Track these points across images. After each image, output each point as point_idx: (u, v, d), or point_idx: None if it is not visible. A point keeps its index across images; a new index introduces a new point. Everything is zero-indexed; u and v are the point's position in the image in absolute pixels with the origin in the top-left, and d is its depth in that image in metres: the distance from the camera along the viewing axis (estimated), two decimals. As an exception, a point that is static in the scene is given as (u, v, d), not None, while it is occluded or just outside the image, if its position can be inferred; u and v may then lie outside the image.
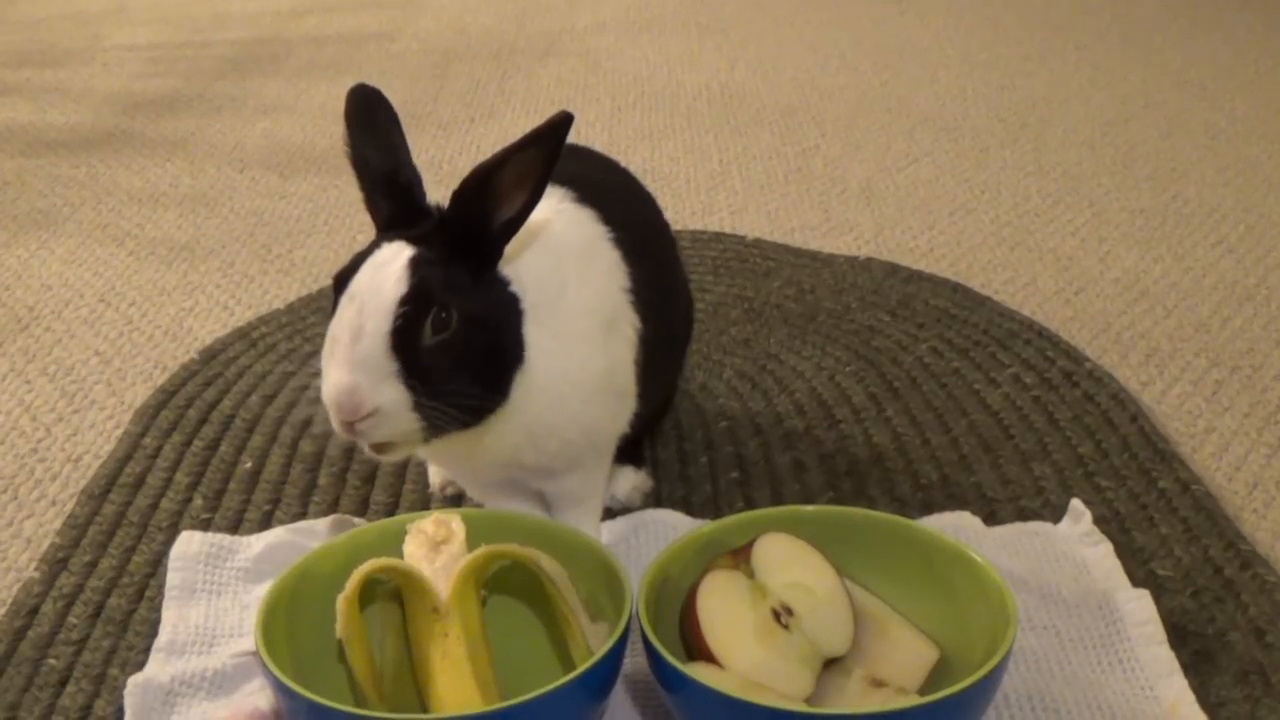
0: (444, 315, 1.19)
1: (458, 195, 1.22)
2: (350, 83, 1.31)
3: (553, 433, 1.31)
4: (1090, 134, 2.88)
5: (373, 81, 1.30)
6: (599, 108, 3.15)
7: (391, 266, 1.20)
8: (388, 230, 1.26)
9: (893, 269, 2.14)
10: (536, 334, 1.26)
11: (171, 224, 2.47)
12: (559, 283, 1.29)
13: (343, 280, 1.21)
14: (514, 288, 1.26)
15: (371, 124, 1.28)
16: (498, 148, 1.20)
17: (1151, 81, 3.28)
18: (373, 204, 1.28)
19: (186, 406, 1.75)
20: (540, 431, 1.30)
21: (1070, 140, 2.84)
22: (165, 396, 1.78)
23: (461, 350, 1.20)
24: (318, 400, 1.20)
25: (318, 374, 1.21)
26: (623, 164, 1.59)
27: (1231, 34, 3.77)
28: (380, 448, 1.22)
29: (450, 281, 1.20)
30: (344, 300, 1.20)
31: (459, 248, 1.22)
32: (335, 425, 1.19)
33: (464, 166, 1.22)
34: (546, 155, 1.19)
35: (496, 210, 1.21)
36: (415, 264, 1.19)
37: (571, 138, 1.20)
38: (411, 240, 1.22)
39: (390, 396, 1.17)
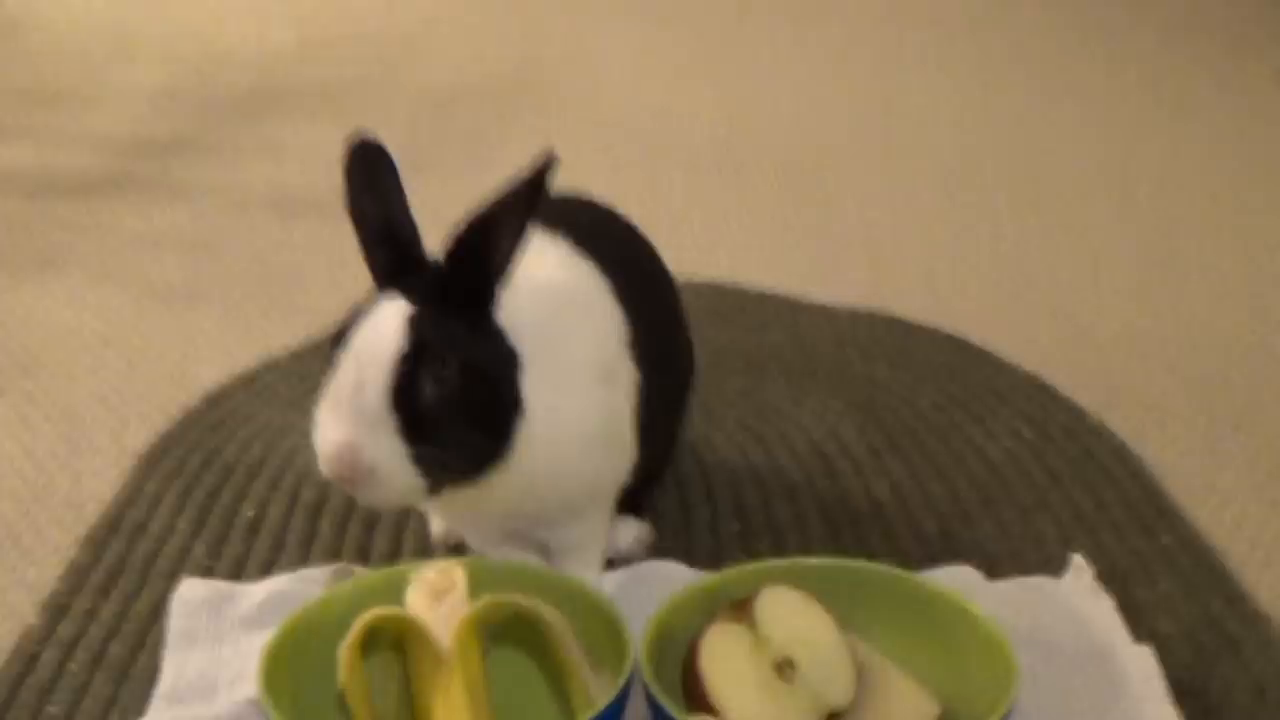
0: (444, 370, 1.19)
1: (453, 247, 1.23)
2: (353, 126, 1.31)
3: (552, 484, 1.31)
4: (1092, 188, 2.89)
5: (374, 126, 1.30)
6: (600, 156, 3.16)
7: (391, 321, 1.20)
8: (386, 282, 1.26)
9: (893, 322, 2.14)
10: (535, 386, 1.26)
11: (173, 267, 2.48)
12: (557, 334, 1.30)
13: (341, 336, 1.22)
14: (512, 339, 1.26)
15: (370, 176, 1.28)
16: (496, 193, 1.20)
17: (1155, 136, 3.29)
18: (371, 256, 1.29)
19: (188, 453, 1.75)
20: (539, 483, 1.30)
21: (1072, 194, 2.85)
22: (167, 442, 1.78)
23: (463, 404, 1.20)
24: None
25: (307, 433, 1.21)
26: (623, 213, 1.59)
27: (1238, 90, 3.78)
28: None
29: (450, 335, 1.21)
30: (342, 357, 1.20)
31: (456, 300, 1.23)
32: (329, 475, 1.19)
33: (463, 212, 1.22)
34: (534, 197, 1.20)
35: (491, 258, 1.22)
36: (414, 318, 1.20)
37: (571, 185, 1.21)
38: (410, 294, 1.23)
39: (390, 453, 1.17)
